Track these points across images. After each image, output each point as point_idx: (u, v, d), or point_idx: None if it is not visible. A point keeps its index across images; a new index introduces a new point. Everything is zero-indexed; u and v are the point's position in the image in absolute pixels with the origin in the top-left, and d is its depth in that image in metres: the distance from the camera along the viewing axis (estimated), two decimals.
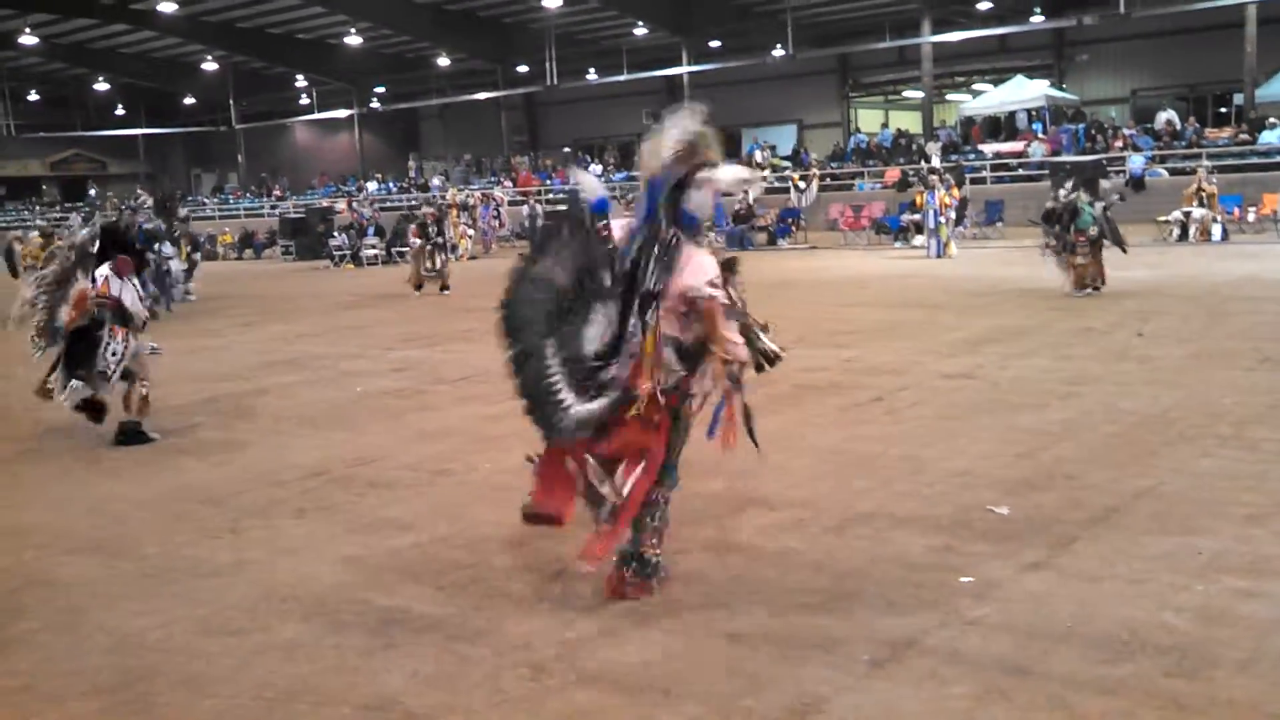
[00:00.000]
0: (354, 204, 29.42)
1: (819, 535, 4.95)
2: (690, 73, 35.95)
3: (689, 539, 4.97)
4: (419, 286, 17.72)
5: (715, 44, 36.79)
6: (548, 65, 36.35)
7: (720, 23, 35.43)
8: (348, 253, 26.51)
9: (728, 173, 4.11)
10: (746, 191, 25.88)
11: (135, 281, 7.91)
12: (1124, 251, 13.36)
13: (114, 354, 7.58)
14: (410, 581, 4.66)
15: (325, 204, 32.97)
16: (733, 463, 5.53)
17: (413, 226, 18.94)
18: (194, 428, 8.12)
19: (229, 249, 34.21)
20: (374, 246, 26.62)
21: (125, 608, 4.55)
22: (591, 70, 39.84)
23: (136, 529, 5.69)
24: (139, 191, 37.53)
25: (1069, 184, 13.25)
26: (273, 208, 40.85)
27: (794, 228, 25.44)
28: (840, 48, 36.06)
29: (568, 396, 3.96)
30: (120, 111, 50.57)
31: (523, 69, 40.13)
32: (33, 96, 48.10)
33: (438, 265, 17.95)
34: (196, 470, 6.86)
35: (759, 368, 4.49)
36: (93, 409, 7.79)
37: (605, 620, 4.13)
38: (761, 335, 4.50)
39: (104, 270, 7.76)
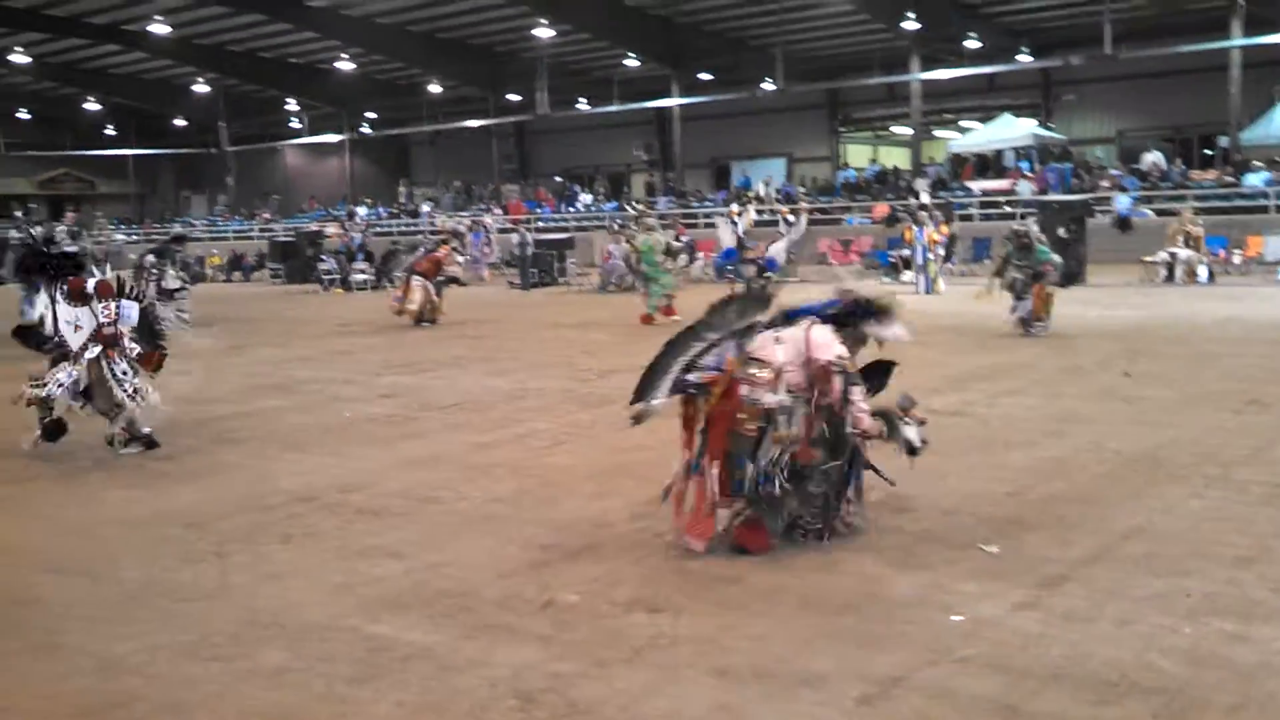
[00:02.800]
0: (346, 226, 29.40)
1: (807, 571, 4.93)
2: (681, 104, 36.19)
3: (678, 572, 4.96)
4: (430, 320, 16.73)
5: (706, 76, 37.06)
6: (539, 94, 36.51)
7: (711, 55, 35.74)
8: (337, 277, 26.49)
9: (895, 328, 5.53)
10: (736, 224, 26.07)
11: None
12: (1062, 286, 13.49)
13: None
14: (398, 610, 4.63)
15: (315, 228, 32.92)
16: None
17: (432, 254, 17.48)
18: (180, 451, 8.05)
19: (217, 271, 34.13)
20: (363, 271, 26.60)
21: (106, 631, 4.50)
22: (582, 100, 40.08)
23: (118, 551, 5.63)
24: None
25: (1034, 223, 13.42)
26: (262, 230, 40.82)
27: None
28: (830, 83, 36.38)
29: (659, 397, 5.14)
30: (110, 131, 50.58)
31: (514, 97, 40.33)
32: (23, 115, 48.10)
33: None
34: (181, 493, 6.80)
35: (910, 452, 5.36)
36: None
37: (595, 653, 4.10)
38: (906, 424, 5.36)
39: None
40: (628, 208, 23.59)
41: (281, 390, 10.82)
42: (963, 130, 36.00)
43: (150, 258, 19.05)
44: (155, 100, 46.52)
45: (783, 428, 5.00)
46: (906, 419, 5.37)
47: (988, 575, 4.81)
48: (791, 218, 26.25)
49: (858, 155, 39.68)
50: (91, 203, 51.70)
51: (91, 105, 47.13)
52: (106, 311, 7.81)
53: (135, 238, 40.55)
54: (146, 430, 7.96)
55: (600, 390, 10.11)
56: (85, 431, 8.16)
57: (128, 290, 8.03)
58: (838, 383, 5.05)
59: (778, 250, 13.76)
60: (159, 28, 33.88)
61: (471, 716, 3.65)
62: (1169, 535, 5.33)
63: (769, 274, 13.30)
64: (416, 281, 16.82)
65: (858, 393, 5.14)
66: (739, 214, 26.46)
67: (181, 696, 3.87)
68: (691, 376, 5.12)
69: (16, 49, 37.10)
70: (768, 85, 34.06)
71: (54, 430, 7.94)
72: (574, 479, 6.78)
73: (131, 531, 5.98)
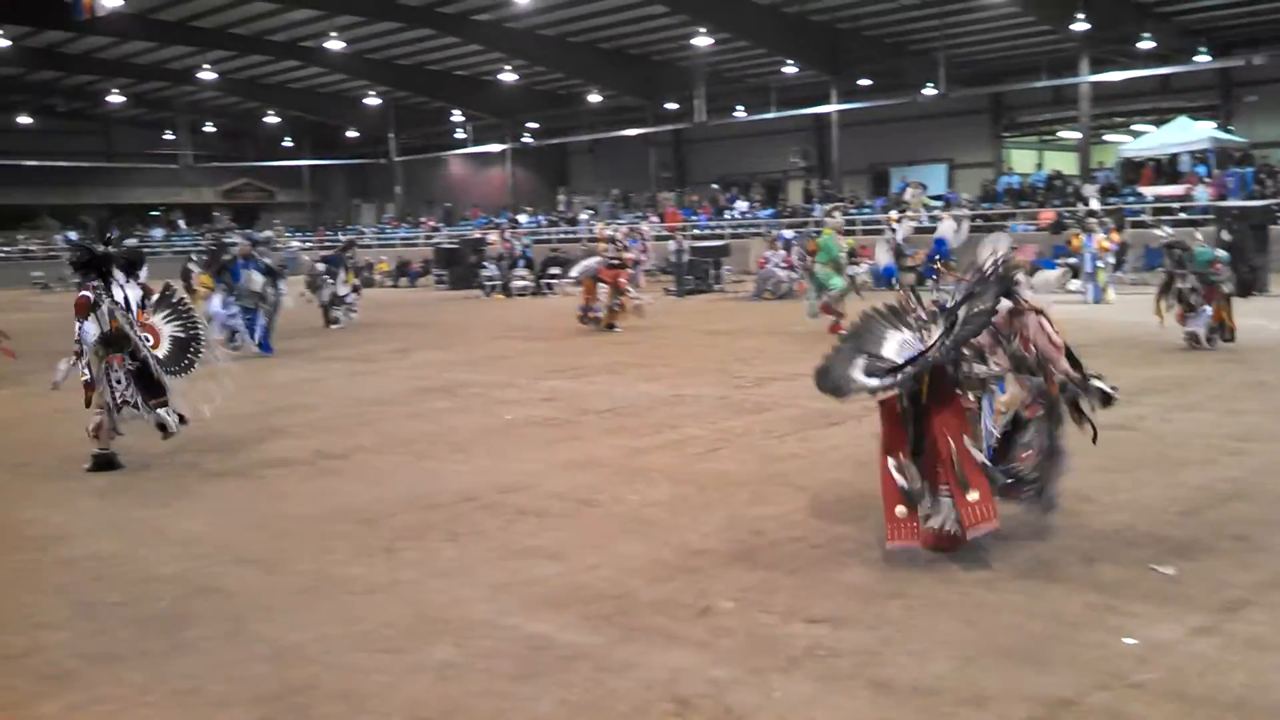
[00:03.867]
0: (507, 235, 30.11)
1: (971, 586, 4.82)
2: (839, 111, 35.79)
3: (835, 583, 4.93)
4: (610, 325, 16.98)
5: (865, 82, 36.56)
6: (696, 102, 36.65)
7: (871, 61, 35.22)
8: (498, 283, 27.14)
9: (1041, 280, 5.61)
10: (895, 230, 25.66)
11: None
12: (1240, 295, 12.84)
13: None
14: (557, 610, 4.72)
15: (478, 235, 33.83)
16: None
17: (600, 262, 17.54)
18: (351, 450, 8.38)
19: (385, 277, 35.34)
20: (523, 278, 27.19)
21: (283, 620, 4.72)
22: (739, 107, 40.03)
23: (294, 544, 5.90)
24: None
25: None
26: (428, 238, 42.11)
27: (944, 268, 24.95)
28: (994, 87, 35.45)
29: (859, 375, 5.17)
30: (288, 143, 53.09)
31: (671, 106, 40.58)
32: (209, 128, 50.93)
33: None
34: (352, 491, 7.07)
35: (1106, 402, 5.48)
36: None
37: (751, 661, 4.10)
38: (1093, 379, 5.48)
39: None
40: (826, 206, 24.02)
41: (445, 393, 11.14)
42: (1135, 134, 34.56)
43: (320, 266, 19.97)
44: (329, 113, 48.61)
45: (1003, 394, 5.24)
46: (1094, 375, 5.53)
47: (1162, 597, 4.61)
48: (954, 222, 25.73)
49: (1022, 160, 38.51)
50: (270, 211, 54.33)
51: (271, 118, 49.64)
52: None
53: (309, 244, 42.34)
54: (103, 450, 7.82)
55: (755, 397, 10.10)
56: (258, 430, 8.56)
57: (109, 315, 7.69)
58: (1031, 319, 5.28)
59: (947, 229, 13.72)
60: (334, 44, 35.40)
61: (629, 718, 3.70)
62: None
63: (928, 278, 13.11)
64: (602, 289, 17.19)
65: (1046, 323, 5.29)
66: (898, 221, 26.07)
67: (353, 686, 4.04)
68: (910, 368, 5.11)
69: (204, 66, 39.37)
70: (929, 90, 33.39)
71: (104, 464, 7.82)
72: (729, 485, 6.80)
73: (307, 526, 6.26)
